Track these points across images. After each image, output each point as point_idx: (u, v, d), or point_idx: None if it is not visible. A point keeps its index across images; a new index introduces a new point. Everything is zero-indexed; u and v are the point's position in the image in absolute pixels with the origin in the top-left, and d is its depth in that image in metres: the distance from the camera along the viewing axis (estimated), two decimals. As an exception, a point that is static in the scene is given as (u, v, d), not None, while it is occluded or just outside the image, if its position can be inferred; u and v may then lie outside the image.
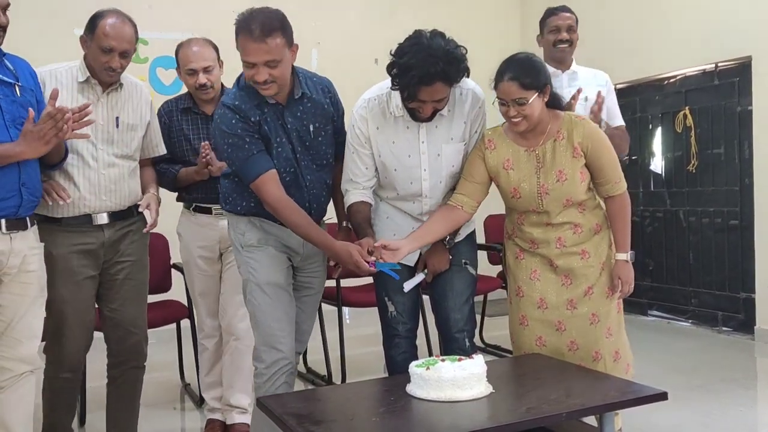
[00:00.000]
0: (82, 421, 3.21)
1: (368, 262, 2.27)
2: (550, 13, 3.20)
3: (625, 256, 2.46)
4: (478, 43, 5.68)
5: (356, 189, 2.45)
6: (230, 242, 2.61)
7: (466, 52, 2.30)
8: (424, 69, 2.18)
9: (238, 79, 2.38)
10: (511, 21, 6.08)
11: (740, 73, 4.61)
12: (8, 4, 2.17)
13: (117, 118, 2.51)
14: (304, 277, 2.53)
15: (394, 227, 2.52)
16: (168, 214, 2.87)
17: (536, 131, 2.39)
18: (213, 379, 3.15)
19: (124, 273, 2.57)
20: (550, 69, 2.95)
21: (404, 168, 2.44)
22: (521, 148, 2.42)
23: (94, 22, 2.42)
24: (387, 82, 2.36)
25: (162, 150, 2.77)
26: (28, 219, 2.24)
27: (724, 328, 4.69)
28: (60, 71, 2.46)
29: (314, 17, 5.33)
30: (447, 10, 5.77)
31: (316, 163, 2.44)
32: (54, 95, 2.12)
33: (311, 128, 2.40)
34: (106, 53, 2.40)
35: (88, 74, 2.47)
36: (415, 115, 2.34)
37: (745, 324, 4.58)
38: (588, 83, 3.07)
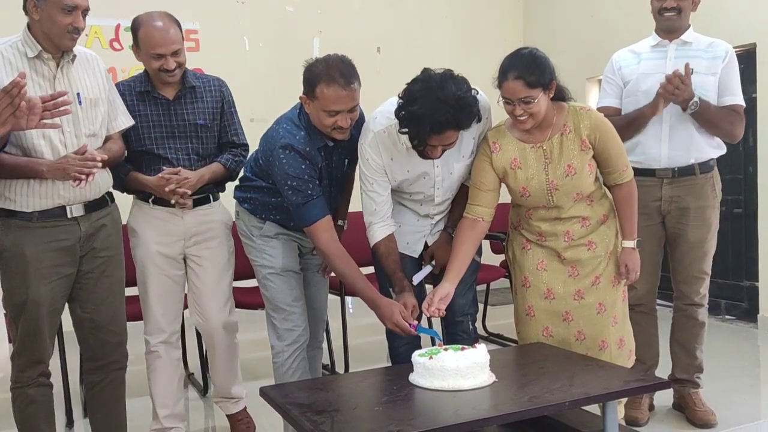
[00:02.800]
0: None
1: (410, 324, 2.27)
2: None
3: (632, 243, 2.45)
4: (480, 34, 5.72)
5: (381, 221, 2.43)
6: (238, 232, 2.68)
7: (477, 93, 2.24)
8: (435, 118, 2.13)
9: (299, 116, 2.39)
10: (515, 11, 6.04)
11: (744, 60, 4.57)
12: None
13: (78, 94, 2.27)
14: (312, 257, 2.71)
15: (404, 231, 2.53)
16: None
17: (541, 126, 2.36)
18: (176, 396, 2.76)
19: (99, 270, 2.38)
20: (656, 39, 2.85)
21: (418, 185, 2.46)
22: (527, 145, 2.39)
23: None
24: (390, 107, 2.30)
25: (127, 121, 2.51)
26: None
27: (728, 317, 4.69)
28: (4, 48, 2.19)
29: (317, 5, 5.30)
30: (449, 2, 5.73)
31: (339, 191, 2.61)
32: (22, 83, 1.85)
33: (346, 162, 2.49)
34: (68, 13, 2.16)
35: (40, 48, 2.20)
36: (424, 155, 2.28)
37: (749, 312, 4.58)
38: (698, 55, 2.78)
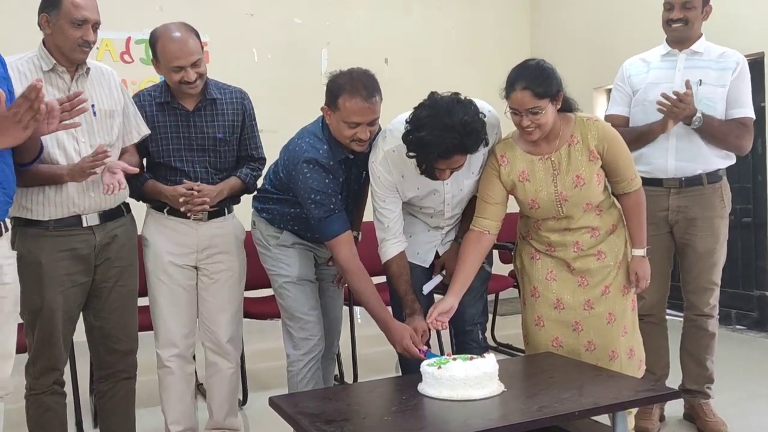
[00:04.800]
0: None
1: (420, 350, 2.29)
2: None
3: (642, 251, 2.45)
4: (487, 45, 5.74)
5: (393, 238, 2.44)
6: (254, 241, 2.69)
7: (485, 116, 2.25)
8: (442, 145, 2.13)
9: (321, 129, 2.40)
10: (522, 22, 6.06)
11: (753, 69, 4.55)
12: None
13: (93, 105, 2.31)
14: (327, 267, 2.73)
15: (414, 241, 2.55)
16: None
17: (549, 137, 2.36)
18: (188, 411, 2.72)
19: (113, 280, 2.41)
20: (666, 49, 2.85)
21: (428, 201, 2.47)
22: (535, 157, 2.39)
23: None
24: (399, 126, 2.30)
25: (143, 131, 2.52)
26: (1, 224, 2.00)
27: (738, 327, 4.66)
28: (20, 63, 2.24)
29: (325, 17, 5.34)
30: (457, 11, 5.76)
31: (355, 203, 2.63)
32: (39, 85, 1.85)
33: (364, 174, 2.50)
34: (78, 26, 2.21)
35: (54, 62, 2.26)
36: (433, 177, 2.28)
37: (759, 322, 4.55)
38: (708, 65, 2.76)
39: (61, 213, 2.29)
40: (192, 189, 2.51)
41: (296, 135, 2.51)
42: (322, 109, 2.39)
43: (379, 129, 2.47)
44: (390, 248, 2.44)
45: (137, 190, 2.60)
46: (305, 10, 5.29)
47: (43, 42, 2.29)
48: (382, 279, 2.61)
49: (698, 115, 2.66)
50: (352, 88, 2.26)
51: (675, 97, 2.61)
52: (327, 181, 2.36)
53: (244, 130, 2.71)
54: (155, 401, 2.82)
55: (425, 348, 2.33)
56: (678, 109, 2.62)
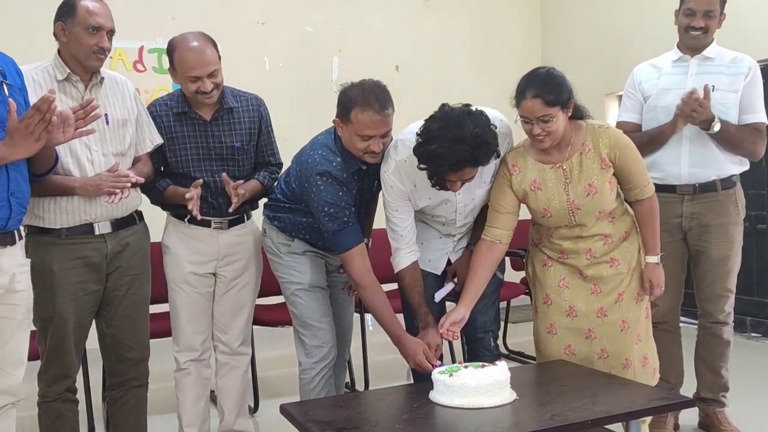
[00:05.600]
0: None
1: (433, 365, 2.28)
2: None
3: (656, 258, 2.43)
4: (498, 52, 5.74)
5: (407, 247, 2.44)
6: (265, 249, 2.70)
7: (496, 128, 2.24)
8: (452, 158, 2.13)
9: (334, 141, 2.40)
10: (533, 29, 6.06)
11: (765, 74, 4.52)
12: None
13: (106, 114, 2.34)
14: (338, 275, 2.72)
15: (426, 248, 2.54)
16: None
17: (560, 145, 2.35)
18: (203, 415, 2.75)
19: (125, 288, 2.42)
20: (677, 54, 2.83)
21: (439, 210, 2.47)
22: (547, 166, 2.38)
23: (70, 4, 2.25)
24: (411, 136, 2.30)
25: (155, 140, 2.53)
26: (15, 233, 2.01)
27: (754, 334, 4.61)
28: (35, 72, 2.27)
29: (336, 25, 5.36)
30: (468, 18, 5.77)
31: (366, 211, 2.62)
32: (51, 97, 1.87)
33: (375, 184, 2.50)
34: (93, 33, 2.23)
35: (68, 71, 2.29)
36: (445, 188, 2.28)
37: (775, 330, 4.51)
38: (720, 71, 2.73)
39: (73, 221, 2.30)
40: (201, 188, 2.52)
41: (308, 146, 2.51)
42: (334, 121, 2.39)
43: (391, 138, 2.48)
44: (403, 258, 2.43)
45: (158, 197, 2.63)
46: (316, 19, 5.32)
47: (59, 51, 2.32)
48: (394, 286, 2.61)
49: (716, 120, 2.64)
50: (364, 101, 2.26)
51: (695, 100, 2.59)
52: (341, 193, 2.36)
53: (261, 137, 2.73)
54: (167, 409, 2.84)
55: (438, 363, 2.32)
56: (697, 113, 2.60)
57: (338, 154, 2.38)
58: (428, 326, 2.40)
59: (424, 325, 2.41)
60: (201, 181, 2.54)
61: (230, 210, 2.55)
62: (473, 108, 2.21)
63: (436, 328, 2.38)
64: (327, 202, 2.34)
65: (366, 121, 2.26)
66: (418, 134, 2.22)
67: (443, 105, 2.23)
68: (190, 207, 2.49)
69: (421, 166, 2.21)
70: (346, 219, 2.36)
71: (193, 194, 2.49)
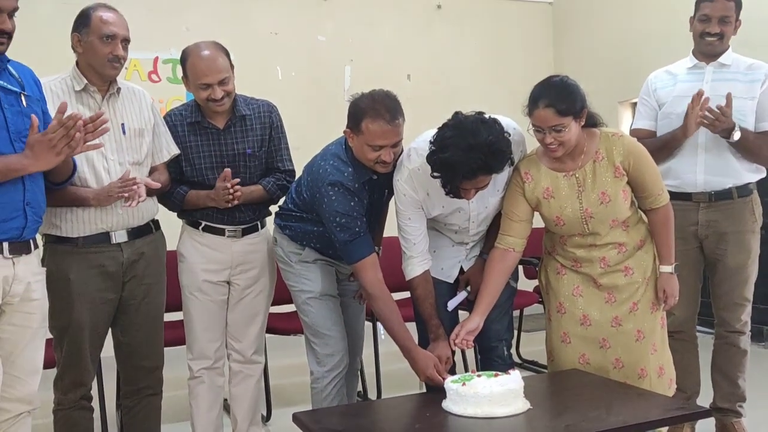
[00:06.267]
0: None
1: (443, 378, 2.26)
2: None
3: (670, 268, 2.41)
4: (510, 61, 5.73)
5: (419, 255, 2.43)
6: (276, 258, 2.71)
7: (510, 135, 2.24)
8: (466, 166, 2.13)
9: (345, 151, 2.42)
10: (545, 37, 6.05)
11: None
12: (16, 8, 1.97)
13: (122, 124, 2.38)
14: (348, 283, 2.72)
15: (439, 256, 2.54)
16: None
17: (573, 154, 2.35)
18: (216, 423, 2.76)
19: (140, 297, 2.44)
20: (693, 61, 2.82)
21: (453, 218, 2.47)
22: (560, 174, 2.37)
23: (85, 15, 2.30)
24: (424, 144, 2.29)
25: (172, 150, 2.56)
26: (31, 242, 2.04)
27: (771, 344, 4.56)
28: (53, 83, 2.31)
29: (348, 35, 5.39)
30: (480, 27, 5.77)
31: (376, 220, 2.62)
32: (62, 108, 1.92)
33: (386, 193, 2.51)
34: (107, 42, 2.27)
35: (86, 81, 2.33)
36: (458, 196, 2.27)
37: (793, 339, 4.45)
38: (736, 78, 2.72)
39: (89, 230, 2.33)
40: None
41: (319, 156, 2.52)
42: (345, 132, 2.39)
43: (402, 149, 2.47)
44: (415, 267, 2.43)
45: (178, 202, 2.65)
46: (329, 29, 5.35)
47: (77, 63, 2.36)
48: (406, 295, 2.60)
49: (737, 129, 2.62)
50: (374, 111, 2.27)
51: (718, 110, 2.58)
52: (352, 204, 2.36)
53: (272, 142, 2.75)
54: (181, 417, 2.85)
55: (448, 376, 2.29)
56: (719, 122, 2.60)
57: (349, 164, 2.39)
58: (439, 339, 2.39)
59: (435, 338, 2.40)
60: (229, 170, 2.55)
61: (227, 205, 2.56)
62: (486, 116, 2.21)
63: (446, 341, 2.37)
64: (338, 212, 2.35)
65: (377, 131, 2.27)
66: (431, 142, 2.22)
67: (456, 113, 2.23)
68: (227, 196, 2.51)
69: (435, 174, 2.21)
70: (357, 229, 2.36)
71: (226, 185, 2.51)
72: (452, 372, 2.39)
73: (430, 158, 2.21)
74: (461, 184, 2.19)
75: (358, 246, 2.36)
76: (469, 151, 2.11)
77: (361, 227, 2.38)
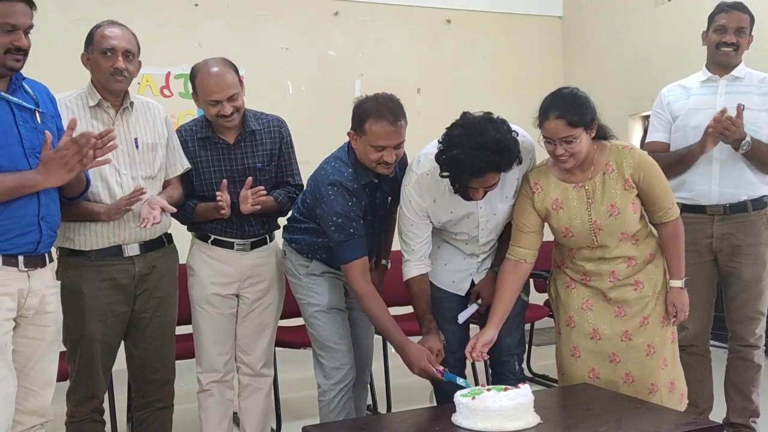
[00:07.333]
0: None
1: (437, 370, 2.30)
2: (720, 9, 2.75)
3: (680, 282, 2.40)
4: (520, 73, 5.74)
5: (417, 261, 2.46)
6: (285, 271, 2.72)
7: (518, 135, 2.26)
8: (475, 164, 2.15)
9: (347, 153, 2.45)
10: (554, 49, 6.07)
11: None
12: (31, 26, 2.00)
13: (135, 139, 2.41)
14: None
15: (450, 269, 2.55)
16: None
17: (583, 165, 2.35)
18: None
19: (152, 310, 2.46)
20: (706, 74, 2.83)
21: (462, 226, 2.47)
22: (569, 185, 2.37)
23: (90, 33, 2.37)
24: (433, 149, 2.31)
25: (185, 164, 2.59)
26: (46, 255, 2.07)
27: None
28: (69, 99, 2.36)
29: (359, 49, 5.42)
30: (489, 40, 5.79)
31: (382, 227, 2.64)
32: (72, 125, 1.96)
33: (389, 200, 2.53)
34: (108, 56, 2.31)
35: (99, 97, 2.37)
36: (467, 197, 2.29)
37: (808, 354, 4.39)
38: (750, 90, 2.74)
39: (102, 243, 2.35)
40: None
41: (323, 162, 2.55)
42: (348, 134, 2.43)
43: (405, 155, 2.51)
44: (411, 269, 2.46)
45: (188, 218, 2.67)
46: (339, 43, 5.39)
47: (91, 79, 2.41)
48: (410, 309, 2.60)
49: (747, 139, 2.62)
50: (378, 112, 2.30)
51: (727, 119, 2.58)
52: (350, 204, 2.38)
53: (281, 157, 2.77)
54: (191, 430, 2.84)
55: (442, 368, 2.32)
56: (729, 132, 2.59)
57: (350, 165, 2.42)
58: (430, 332, 2.41)
59: (427, 331, 2.42)
60: (225, 182, 2.56)
61: (243, 211, 2.56)
62: (494, 116, 2.23)
63: (437, 334, 2.40)
64: (336, 212, 2.37)
65: (380, 132, 2.30)
66: (439, 142, 2.24)
67: (465, 113, 2.26)
68: (221, 205, 2.51)
69: (443, 173, 2.23)
70: (352, 231, 2.37)
71: (223, 198, 2.53)
72: (444, 363, 2.40)
73: (439, 157, 2.23)
74: (470, 182, 2.20)
75: (351, 247, 2.38)
76: (477, 150, 2.13)
77: (357, 229, 2.39)
